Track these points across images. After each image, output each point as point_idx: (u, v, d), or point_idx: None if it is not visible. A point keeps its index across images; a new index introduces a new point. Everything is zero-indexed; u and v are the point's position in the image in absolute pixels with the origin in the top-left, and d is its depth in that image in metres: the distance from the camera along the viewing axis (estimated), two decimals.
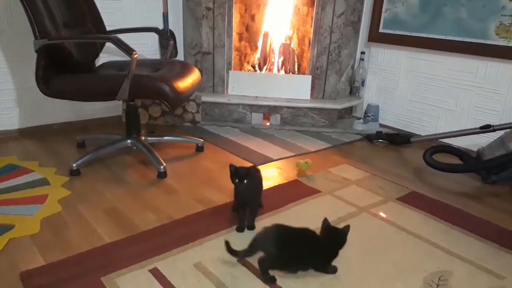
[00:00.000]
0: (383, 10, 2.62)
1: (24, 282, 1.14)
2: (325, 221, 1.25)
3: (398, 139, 2.44)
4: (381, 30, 2.65)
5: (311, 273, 1.24)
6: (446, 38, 2.35)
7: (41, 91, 1.73)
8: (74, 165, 1.84)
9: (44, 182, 1.75)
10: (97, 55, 2.05)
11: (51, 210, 1.53)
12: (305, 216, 1.56)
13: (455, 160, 2.09)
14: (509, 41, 2.10)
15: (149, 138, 2.09)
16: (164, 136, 2.27)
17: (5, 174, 1.80)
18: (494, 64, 2.20)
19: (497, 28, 2.14)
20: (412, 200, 1.76)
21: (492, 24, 2.15)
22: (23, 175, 1.80)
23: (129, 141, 2.00)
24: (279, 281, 1.19)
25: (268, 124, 2.70)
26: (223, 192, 1.75)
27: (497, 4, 2.11)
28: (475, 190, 1.92)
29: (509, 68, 2.14)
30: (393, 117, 2.73)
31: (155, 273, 1.20)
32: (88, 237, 1.38)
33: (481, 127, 2.10)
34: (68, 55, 1.76)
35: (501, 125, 2.05)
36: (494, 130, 2.06)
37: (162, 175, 1.86)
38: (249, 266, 1.25)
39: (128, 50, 1.63)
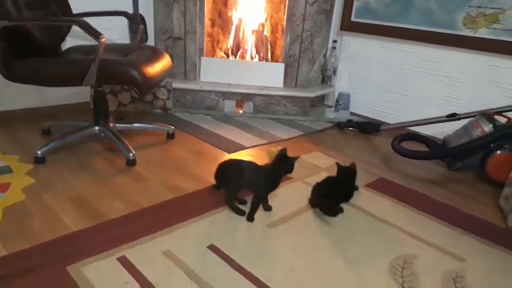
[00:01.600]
0: None
1: None
2: (282, 150, 1.46)
3: (368, 127, 2.48)
4: (353, 18, 2.67)
5: (279, 259, 1.25)
6: (416, 28, 2.39)
7: (1, 75, 1.65)
8: (39, 152, 1.78)
9: (6, 170, 1.69)
10: (63, 39, 1.97)
11: (14, 198, 1.48)
12: (277, 201, 1.57)
13: (423, 148, 2.15)
14: (475, 32, 2.16)
15: (117, 125, 2.04)
16: (134, 123, 2.22)
17: None
18: (461, 54, 2.26)
19: (464, 19, 2.19)
20: (380, 186, 1.80)
21: (459, 15, 2.20)
22: None
23: (97, 128, 1.95)
24: (247, 267, 1.19)
25: (241, 111, 2.68)
26: (194, 179, 1.73)
27: None
28: (441, 177, 1.98)
29: (474, 59, 2.21)
30: (363, 106, 2.77)
31: (123, 261, 1.18)
32: (54, 226, 1.34)
33: (447, 116, 2.17)
34: (31, 37, 1.68)
35: (466, 113, 2.12)
36: (459, 119, 2.13)
37: (131, 162, 1.83)
38: (219, 253, 1.25)
39: (95, 34, 1.57)
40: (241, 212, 1.47)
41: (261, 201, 1.49)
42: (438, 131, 2.37)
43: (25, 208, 1.43)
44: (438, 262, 1.30)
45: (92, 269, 1.14)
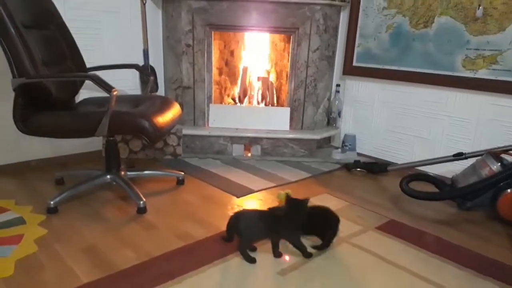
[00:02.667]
0: (356, 45, 2.73)
1: None
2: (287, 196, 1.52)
3: (375, 168, 2.49)
4: (354, 63, 2.76)
5: None
6: (416, 71, 2.45)
7: (19, 129, 1.72)
8: (51, 202, 1.81)
9: (20, 221, 1.72)
10: (76, 92, 2.06)
11: (27, 250, 1.50)
12: (286, 247, 1.56)
13: (431, 188, 2.14)
14: (475, 73, 2.21)
15: (129, 173, 2.08)
16: (144, 170, 2.27)
17: None
18: (462, 94, 2.30)
19: (463, 61, 2.25)
20: (391, 228, 1.79)
21: (458, 57, 2.27)
22: None
23: (108, 176, 1.99)
24: None
25: (249, 155, 2.72)
26: (203, 226, 1.74)
27: (461, 39, 2.24)
28: (452, 217, 1.96)
29: (477, 98, 2.25)
30: (370, 146, 2.80)
31: None
32: (65, 278, 1.34)
33: (454, 155, 2.18)
34: (47, 93, 1.76)
35: (472, 152, 2.13)
36: (466, 158, 2.14)
37: (141, 210, 1.85)
38: None
39: (107, 88, 1.65)
40: (253, 260, 1.47)
41: (299, 242, 1.52)
42: (446, 170, 2.37)
43: (37, 260, 1.44)
44: None
45: None
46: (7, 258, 1.44)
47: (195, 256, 1.50)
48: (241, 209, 1.66)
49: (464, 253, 1.62)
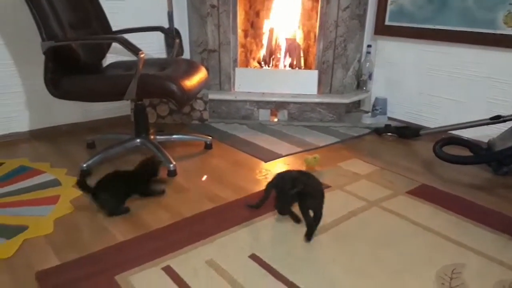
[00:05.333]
0: (389, 2, 2.60)
1: (40, 282, 1.16)
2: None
3: (407, 132, 2.43)
4: (387, 22, 2.63)
5: (320, 269, 1.24)
6: (453, 29, 2.32)
7: (50, 92, 1.75)
8: (84, 165, 1.85)
9: (55, 183, 1.77)
10: (104, 56, 2.06)
11: (64, 210, 1.55)
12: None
13: (465, 152, 2.08)
14: None
15: (158, 137, 2.10)
16: (173, 134, 2.28)
17: (17, 176, 1.82)
18: (503, 54, 2.17)
19: (505, 17, 2.11)
20: (422, 193, 1.75)
21: (500, 14, 2.13)
22: (34, 177, 1.82)
23: (138, 140, 2.01)
24: (289, 276, 1.19)
25: (275, 120, 2.69)
26: (232, 189, 1.75)
27: None
28: (486, 182, 1.90)
29: None
30: (401, 110, 2.71)
31: (168, 270, 1.21)
32: (101, 236, 1.39)
33: (491, 118, 2.09)
34: (75, 56, 1.77)
35: (511, 115, 2.03)
36: (504, 121, 2.05)
37: (172, 173, 1.87)
38: (260, 263, 1.26)
39: (135, 50, 1.63)
40: (298, 220, 1.47)
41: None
42: (482, 134, 2.28)
43: (74, 219, 1.49)
44: (489, 271, 1.25)
45: (139, 279, 1.18)
46: (46, 217, 1.49)
47: (225, 217, 1.52)
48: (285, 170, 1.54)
49: (499, 217, 1.57)
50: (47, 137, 2.33)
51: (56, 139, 2.30)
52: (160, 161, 1.65)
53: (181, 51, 2.72)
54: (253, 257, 1.29)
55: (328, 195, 1.69)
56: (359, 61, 2.78)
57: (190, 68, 1.96)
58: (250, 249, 1.32)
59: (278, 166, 2.02)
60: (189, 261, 1.26)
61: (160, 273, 1.21)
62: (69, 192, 1.69)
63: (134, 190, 1.62)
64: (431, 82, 2.51)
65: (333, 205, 1.62)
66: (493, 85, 2.24)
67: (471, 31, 2.25)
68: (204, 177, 1.34)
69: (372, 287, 1.17)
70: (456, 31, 2.31)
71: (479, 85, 2.30)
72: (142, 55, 1.65)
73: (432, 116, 2.55)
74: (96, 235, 1.40)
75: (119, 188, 1.55)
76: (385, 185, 1.81)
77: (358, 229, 1.46)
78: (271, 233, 1.42)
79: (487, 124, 2.12)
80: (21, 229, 1.41)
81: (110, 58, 2.31)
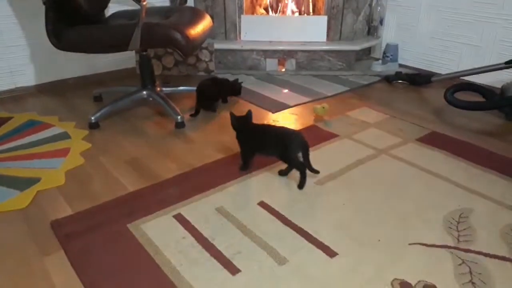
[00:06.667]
0: None
1: (55, 230, 1.19)
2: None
3: (418, 79, 2.37)
4: None
5: (328, 214, 1.26)
6: None
7: (52, 44, 1.72)
8: (92, 118, 1.86)
9: (65, 136, 1.79)
10: (106, 5, 1.99)
11: (74, 162, 1.57)
12: (322, 160, 1.56)
13: (478, 98, 2.02)
14: None
15: (164, 89, 2.08)
16: (179, 86, 2.26)
17: (27, 130, 1.84)
18: None
19: None
20: (432, 140, 1.73)
21: None
22: (44, 130, 1.83)
23: (144, 92, 2.00)
24: (297, 222, 1.21)
25: (283, 70, 2.64)
26: None
27: None
28: (498, 128, 1.87)
29: None
30: (413, 57, 2.63)
31: (179, 218, 1.24)
32: (112, 187, 1.42)
33: (506, 62, 2.01)
34: (76, 5, 1.71)
35: None
36: None
37: (180, 125, 1.87)
38: (269, 209, 1.28)
39: None
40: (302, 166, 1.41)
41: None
42: (496, 79, 2.22)
43: (84, 171, 1.52)
44: (496, 215, 1.26)
45: (150, 226, 1.21)
46: (58, 169, 1.52)
47: (234, 166, 1.52)
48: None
49: (509, 163, 1.56)
50: (54, 91, 2.32)
51: (63, 93, 2.29)
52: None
53: None
54: (262, 204, 1.31)
55: (335, 144, 1.70)
56: (370, 5, 2.66)
57: (194, 16, 1.90)
58: (258, 197, 1.34)
59: (286, 117, 2.00)
60: (200, 208, 1.29)
61: (171, 220, 1.23)
62: (79, 144, 1.71)
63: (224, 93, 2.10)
64: (444, 26, 2.41)
65: (340, 154, 1.62)
66: (509, 27, 2.14)
67: None
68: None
69: (381, 231, 1.19)
70: None
71: (493, 28, 2.20)
72: (144, 3, 1.60)
73: (445, 62, 2.47)
74: (107, 186, 1.42)
75: (216, 88, 2.03)
76: (394, 133, 1.79)
77: (366, 177, 1.47)
78: (280, 181, 1.44)
79: (502, 68, 2.04)
80: (34, 181, 1.44)
81: (112, 8, 2.24)
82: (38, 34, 2.21)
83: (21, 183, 1.43)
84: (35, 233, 1.20)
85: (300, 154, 1.39)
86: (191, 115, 1.98)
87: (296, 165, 1.41)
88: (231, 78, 2.18)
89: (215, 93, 2.04)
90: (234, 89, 2.14)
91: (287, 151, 1.38)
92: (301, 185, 1.39)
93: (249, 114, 1.45)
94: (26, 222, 1.24)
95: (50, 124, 1.90)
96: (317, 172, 1.42)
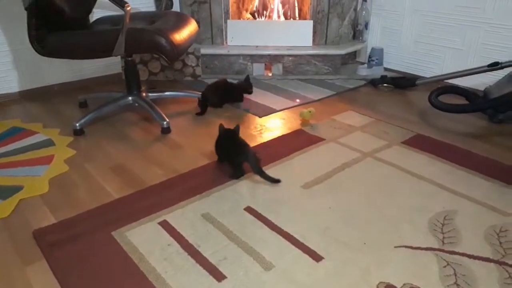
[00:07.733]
0: None
1: (37, 240, 1.17)
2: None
3: (403, 83, 2.39)
4: None
5: (315, 218, 1.26)
6: None
7: (35, 50, 1.69)
8: (77, 124, 1.84)
9: (49, 143, 1.76)
10: (90, 10, 1.98)
11: (58, 170, 1.55)
12: (309, 164, 1.57)
13: (462, 101, 2.05)
14: None
15: (150, 94, 2.07)
16: (165, 91, 2.24)
17: (10, 137, 1.81)
18: None
19: None
20: (416, 142, 1.75)
21: None
22: (28, 137, 1.81)
23: (130, 98, 1.98)
24: (283, 227, 1.21)
25: (270, 74, 2.64)
26: None
27: None
28: (482, 130, 1.90)
29: None
30: (398, 60, 2.66)
31: (165, 225, 1.23)
32: (97, 194, 1.40)
33: (489, 65, 2.04)
34: (59, 11, 1.70)
35: (509, 61, 1.99)
36: (502, 67, 2.01)
37: (165, 130, 1.86)
38: (256, 214, 1.27)
39: (120, 3, 1.57)
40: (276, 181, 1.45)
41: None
42: (479, 82, 2.25)
43: (69, 178, 1.50)
44: (480, 217, 1.27)
45: (135, 234, 1.19)
46: (41, 177, 1.50)
47: (220, 172, 1.52)
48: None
49: (493, 164, 1.58)
50: (38, 97, 2.29)
51: (48, 99, 2.26)
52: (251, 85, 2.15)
53: (170, 4, 2.61)
54: (248, 209, 1.30)
55: (322, 148, 1.70)
56: (355, 9, 2.69)
57: (180, 21, 1.89)
58: (245, 202, 1.34)
59: (273, 121, 2.00)
60: (185, 215, 1.28)
61: (156, 227, 1.22)
62: (63, 151, 1.69)
63: (233, 97, 2.16)
64: (428, 30, 2.44)
65: (326, 157, 1.62)
66: (491, 31, 2.18)
67: None
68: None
69: (367, 234, 1.19)
70: None
71: (476, 31, 2.23)
72: (128, 8, 1.59)
73: (429, 66, 2.50)
74: (91, 194, 1.40)
75: (221, 92, 2.11)
76: (380, 136, 1.81)
77: (351, 180, 1.47)
78: (266, 186, 1.43)
79: (485, 71, 2.08)
80: (16, 189, 1.42)
81: (96, 14, 2.22)
82: (21, 40, 2.18)
83: (3, 192, 1.40)
84: (17, 242, 1.17)
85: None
86: (197, 114, 2.05)
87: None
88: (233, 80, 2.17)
89: (216, 99, 2.11)
90: (244, 89, 2.17)
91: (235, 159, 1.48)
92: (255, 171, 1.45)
93: (236, 128, 1.53)
94: (8, 231, 1.22)
95: (34, 131, 1.87)
96: (277, 181, 1.45)
